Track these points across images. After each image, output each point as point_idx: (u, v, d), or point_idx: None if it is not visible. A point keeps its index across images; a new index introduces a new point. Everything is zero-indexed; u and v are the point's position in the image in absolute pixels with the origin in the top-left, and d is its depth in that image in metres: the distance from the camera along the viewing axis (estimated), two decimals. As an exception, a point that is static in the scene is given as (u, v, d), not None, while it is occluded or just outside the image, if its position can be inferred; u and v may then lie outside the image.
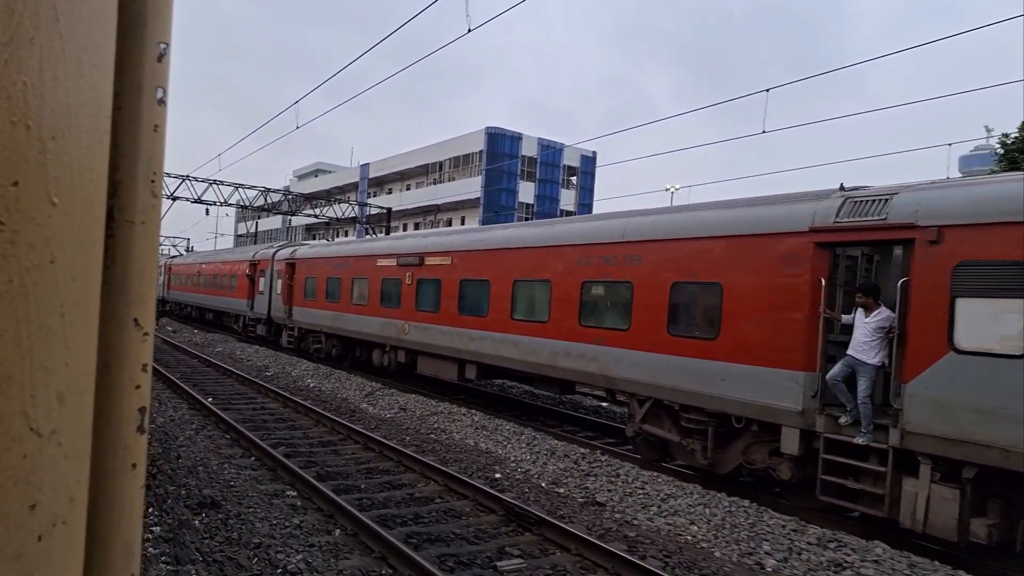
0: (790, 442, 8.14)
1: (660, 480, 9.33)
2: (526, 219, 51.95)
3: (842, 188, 8.18)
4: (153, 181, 0.90)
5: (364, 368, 19.77)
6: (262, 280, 26.52)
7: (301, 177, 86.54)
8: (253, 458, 9.79)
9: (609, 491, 8.91)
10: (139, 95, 0.86)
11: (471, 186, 54.51)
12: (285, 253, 24.65)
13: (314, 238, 65.35)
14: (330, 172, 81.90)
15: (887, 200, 7.48)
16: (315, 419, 12.71)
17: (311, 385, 17.25)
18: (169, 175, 33.48)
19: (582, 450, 10.75)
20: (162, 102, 0.89)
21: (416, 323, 15.91)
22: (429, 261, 15.65)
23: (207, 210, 36.83)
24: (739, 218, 8.91)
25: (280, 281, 24.47)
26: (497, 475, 9.38)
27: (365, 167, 68.45)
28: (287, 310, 23.77)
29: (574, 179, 60.43)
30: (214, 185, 35.03)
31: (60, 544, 0.71)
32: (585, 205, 59.03)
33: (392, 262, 17.14)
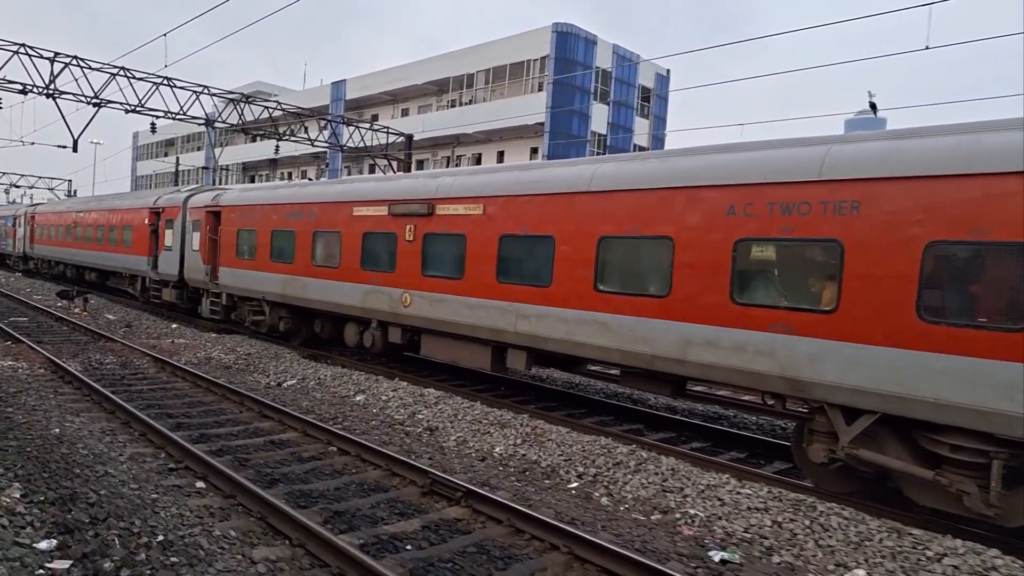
0: None
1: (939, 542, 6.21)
2: (596, 154, 40.23)
3: None
4: None
5: (326, 347, 15.46)
6: (169, 233, 20.98)
7: (234, 103, 71.61)
8: None
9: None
10: None
11: (528, 106, 38.24)
12: (204, 199, 19.28)
13: (252, 180, 54.57)
14: (273, 95, 67.23)
15: None
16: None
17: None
18: (89, 66, 22.83)
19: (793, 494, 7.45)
20: None
21: (423, 292, 11.85)
22: (444, 210, 11.52)
23: (153, 125, 27.30)
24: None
25: (198, 234, 19.18)
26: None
27: (339, 86, 53.02)
28: (209, 271, 18.68)
29: (647, 104, 45.37)
30: (163, 86, 24.16)
31: None
32: (657, 138, 45.36)
33: (381, 211, 12.80)
